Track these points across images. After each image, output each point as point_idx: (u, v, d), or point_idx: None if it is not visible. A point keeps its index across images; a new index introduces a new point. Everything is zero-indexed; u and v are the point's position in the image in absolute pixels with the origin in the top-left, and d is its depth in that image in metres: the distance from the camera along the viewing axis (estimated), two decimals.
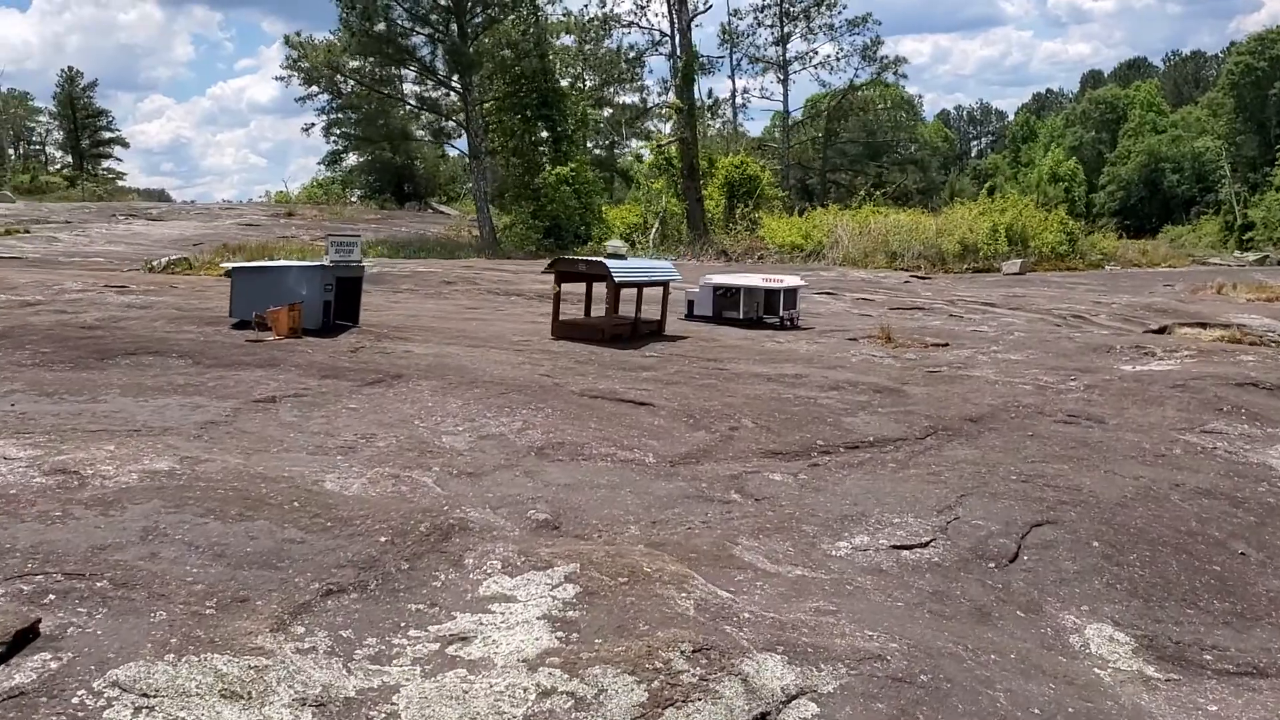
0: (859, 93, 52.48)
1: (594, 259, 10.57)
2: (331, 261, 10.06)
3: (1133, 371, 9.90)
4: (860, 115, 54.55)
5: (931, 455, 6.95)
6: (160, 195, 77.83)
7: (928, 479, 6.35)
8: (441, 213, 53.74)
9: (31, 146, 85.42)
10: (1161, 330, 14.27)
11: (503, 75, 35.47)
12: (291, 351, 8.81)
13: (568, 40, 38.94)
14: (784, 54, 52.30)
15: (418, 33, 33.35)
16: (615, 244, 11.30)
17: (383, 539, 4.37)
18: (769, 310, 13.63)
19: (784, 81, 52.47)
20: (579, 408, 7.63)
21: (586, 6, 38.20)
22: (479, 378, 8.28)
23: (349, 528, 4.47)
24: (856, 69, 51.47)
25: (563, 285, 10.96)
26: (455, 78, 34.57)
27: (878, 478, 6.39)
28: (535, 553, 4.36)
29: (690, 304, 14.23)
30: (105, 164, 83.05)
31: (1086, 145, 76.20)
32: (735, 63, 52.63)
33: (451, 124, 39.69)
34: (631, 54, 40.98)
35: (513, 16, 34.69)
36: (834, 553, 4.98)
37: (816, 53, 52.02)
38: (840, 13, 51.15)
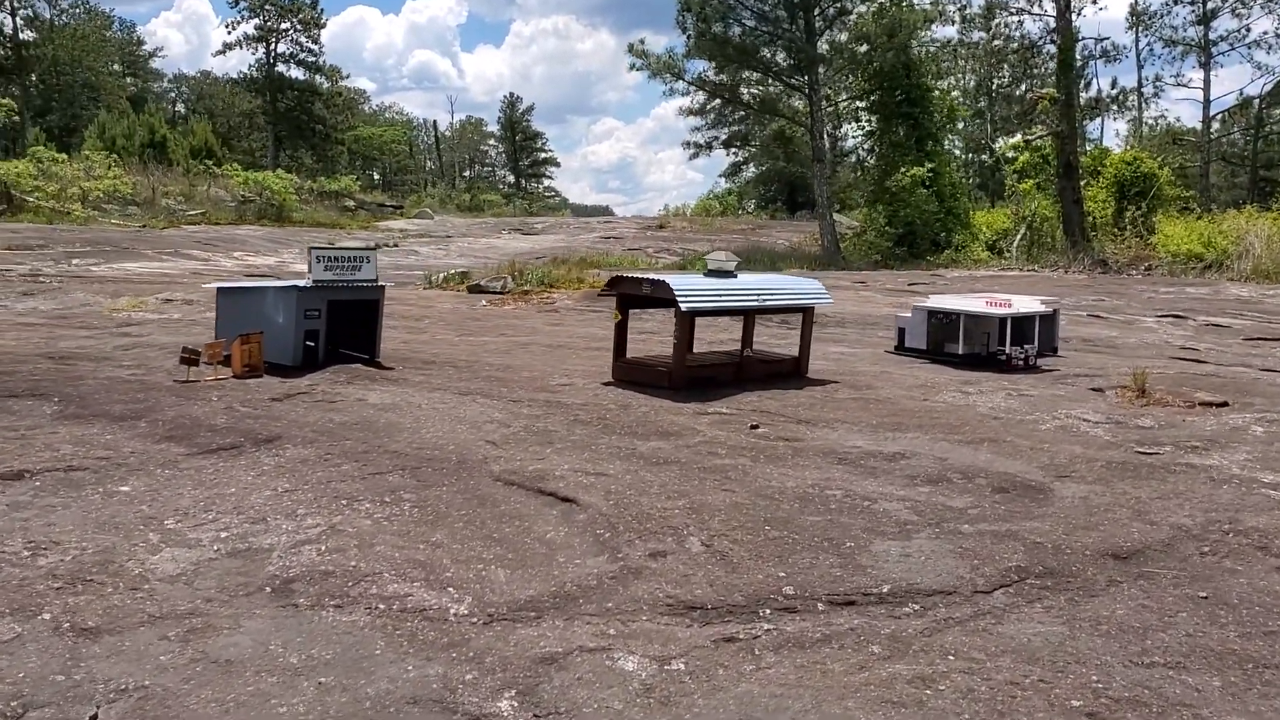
0: None
1: (659, 278, 7.76)
2: (314, 282, 8.09)
3: None
4: None
5: (971, 630, 3.84)
6: (604, 211, 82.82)
7: (902, 691, 3.35)
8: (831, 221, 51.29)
9: (484, 168, 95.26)
10: None
11: (858, 72, 32.45)
12: (194, 398, 7.13)
13: (938, 32, 34.90)
14: (1206, 34, 43.66)
15: (761, 30, 31.26)
16: (718, 256, 8.48)
17: None
18: (1004, 343, 10.01)
19: (1205, 65, 43.75)
20: (462, 500, 5.25)
21: None
22: (384, 445, 6.14)
23: None
24: None
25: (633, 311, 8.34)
26: (800, 77, 32.05)
27: (810, 679, 3.47)
28: None
29: (901, 333, 10.93)
30: (546, 183, 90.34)
31: None
32: (1146, 47, 45.02)
33: (796, 127, 37.18)
34: (1018, 44, 35.74)
35: (874, 7, 31.49)
36: None
37: (1249, 30, 42.91)
38: None
